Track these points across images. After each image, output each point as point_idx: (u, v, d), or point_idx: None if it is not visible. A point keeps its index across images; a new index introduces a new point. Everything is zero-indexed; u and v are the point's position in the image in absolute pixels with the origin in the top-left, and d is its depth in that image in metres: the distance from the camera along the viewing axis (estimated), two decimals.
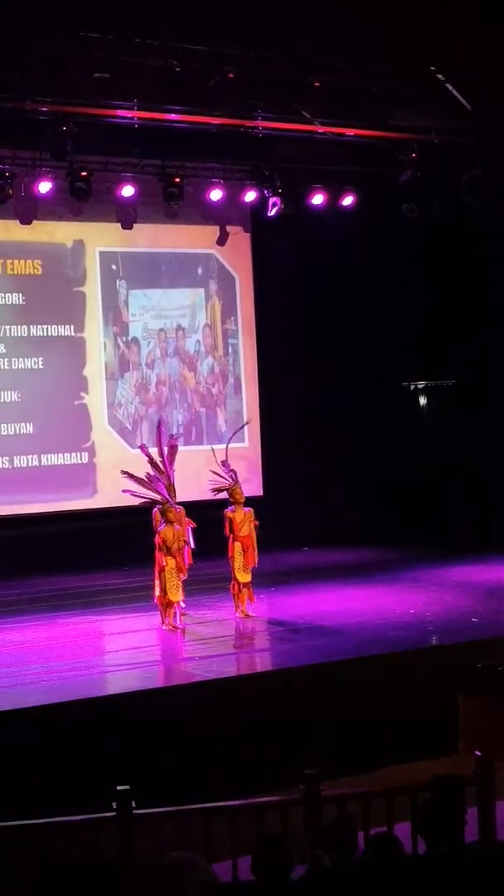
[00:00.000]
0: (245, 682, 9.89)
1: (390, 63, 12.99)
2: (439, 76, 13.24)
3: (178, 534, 11.35)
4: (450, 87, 13.35)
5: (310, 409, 16.54)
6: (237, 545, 11.66)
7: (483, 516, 15.66)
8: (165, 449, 11.94)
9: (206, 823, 6.26)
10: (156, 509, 11.55)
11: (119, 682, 9.88)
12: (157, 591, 11.36)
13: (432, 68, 13.24)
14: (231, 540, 11.69)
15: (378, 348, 16.33)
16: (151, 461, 11.79)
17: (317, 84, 13.32)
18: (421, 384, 16.98)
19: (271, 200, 14.99)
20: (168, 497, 11.53)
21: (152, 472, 11.73)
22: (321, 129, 13.78)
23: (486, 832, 6.53)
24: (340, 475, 16.52)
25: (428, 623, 11.40)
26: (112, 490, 13.73)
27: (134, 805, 6.28)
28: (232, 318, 16.62)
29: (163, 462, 11.78)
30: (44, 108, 12.68)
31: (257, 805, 6.61)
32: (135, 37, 12.09)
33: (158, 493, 11.60)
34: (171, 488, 11.68)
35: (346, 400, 16.45)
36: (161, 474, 11.72)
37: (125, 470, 11.84)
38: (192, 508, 11.97)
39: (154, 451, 11.97)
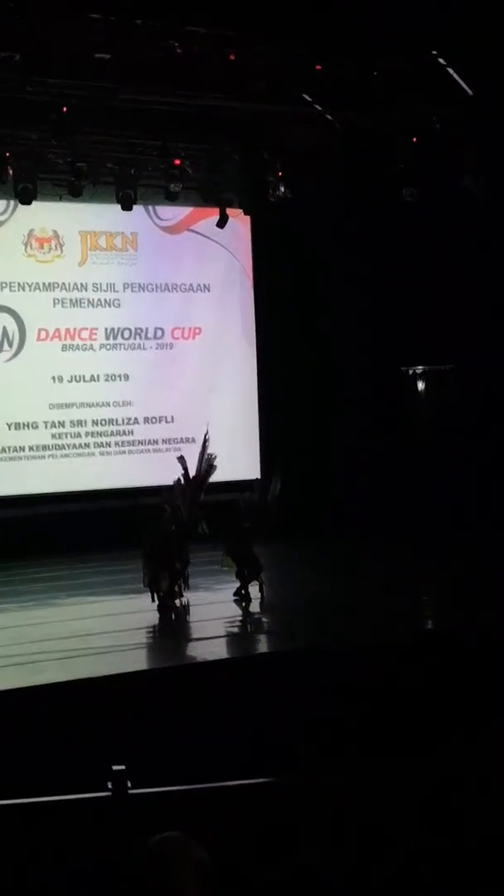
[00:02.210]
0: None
1: (392, 48, 13.01)
2: (441, 60, 13.25)
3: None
4: (451, 72, 13.35)
5: (309, 396, 16.49)
6: None
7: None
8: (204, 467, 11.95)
9: (203, 804, 6.28)
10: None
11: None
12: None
13: (434, 52, 13.25)
14: None
15: (374, 333, 16.28)
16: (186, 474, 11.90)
17: (318, 67, 13.32)
18: (419, 369, 16.93)
19: (272, 184, 15.00)
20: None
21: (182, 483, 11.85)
22: (322, 113, 13.77)
23: None
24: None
25: None
26: None
27: (130, 785, 6.30)
28: (234, 301, 16.64)
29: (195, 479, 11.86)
30: (44, 89, 12.65)
31: (256, 786, 6.62)
32: (135, 18, 12.11)
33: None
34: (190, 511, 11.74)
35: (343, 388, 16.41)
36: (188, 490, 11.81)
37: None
38: None
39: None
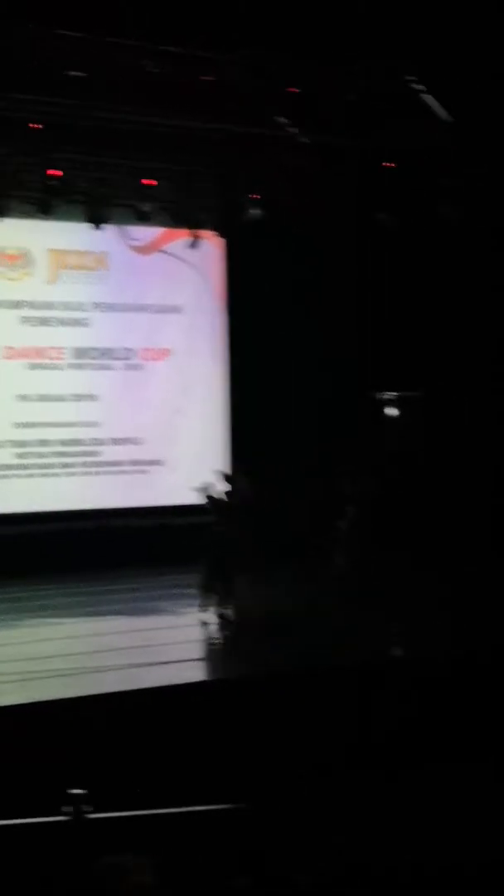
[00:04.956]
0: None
1: (369, 72, 13.02)
2: (418, 86, 13.25)
3: None
4: (428, 98, 13.35)
5: (278, 419, 16.39)
6: None
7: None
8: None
9: (160, 829, 6.14)
10: None
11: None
12: None
13: (411, 78, 13.26)
14: None
15: (348, 357, 16.22)
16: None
17: (294, 91, 13.31)
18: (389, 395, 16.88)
19: (246, 206, 14.94)
20: None
21: None
22: (297, 136, 13.74)
23: None
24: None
25: None
26: None
27: (89, 809, 6.15)
28: (204, 323, 16.55)
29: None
30: (16, 106, 12.55)
31: (211, 813, 6.49)
32: (110, 37, 12.05)
33: None
34: None
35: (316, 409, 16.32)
36: None
37: None
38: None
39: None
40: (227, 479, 13.20)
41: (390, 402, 16.96)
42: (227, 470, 15.15)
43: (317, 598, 13.18)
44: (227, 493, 12.61)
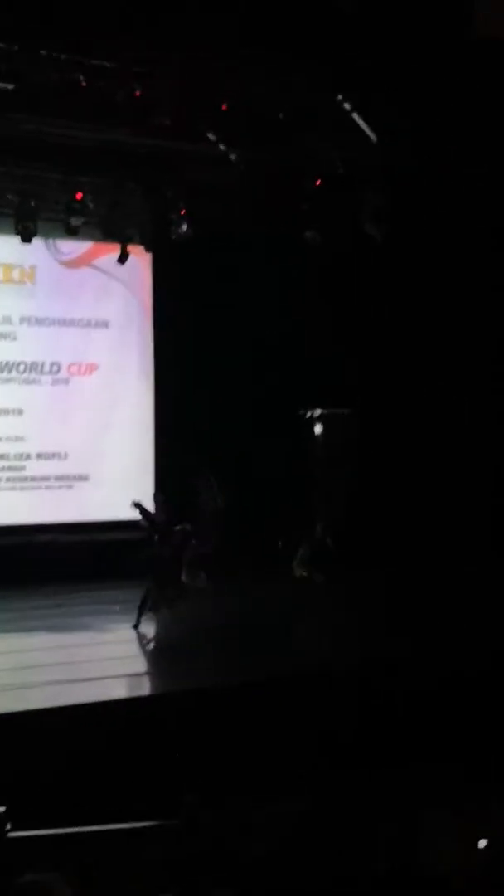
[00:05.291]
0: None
1: (298, 90, 13.07)
2: (346, 105, 13.33)
3: None
4: (356, 117, 13.44)
5: (207, 437, 16.36)
6: None
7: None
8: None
9: (83, 847, 6.08)
10: None
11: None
12: None
13: (339, 97, 13.34)
14: None
15: (274, 376, 16.25)
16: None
17: (224, 107, 13.32)
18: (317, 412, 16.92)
19: (175, 222, 14.91)
20: None
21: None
22: (226, 152, 13.75)
23: None
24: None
25: None
26: None
27: (9, 827, 6.08)
28: (132, 338, 16.49)
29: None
30: None
31: (135, 830, 6.44)
32: (41, 48, 11.99)
33: None
34: None
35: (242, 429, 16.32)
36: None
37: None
38: None
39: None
40: (196, 485, 13.27)
41: (318, 419, 16.99)
42: (155, 487, 15.18)
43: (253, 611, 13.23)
44: (200, 500, 12.55)
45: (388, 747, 9.33)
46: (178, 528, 12.66)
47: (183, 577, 12.71)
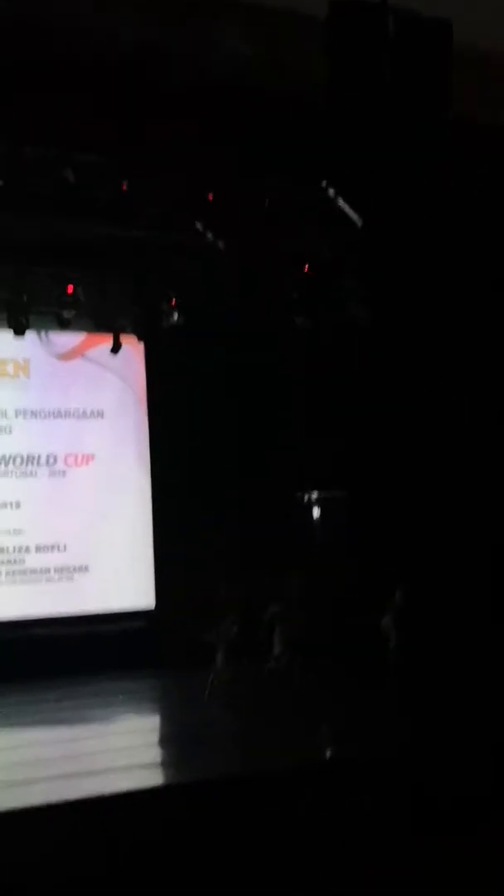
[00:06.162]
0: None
1: (282, 177, 13.27)
2: (331, 191, 13.53)
3: None
4: (340, 202, 13.63)
5: (205, 519, 16.35)
6: None
7: None
8: None
9: None
10: None
11: None
12: None
13: (324, 184, 13.54)
14: None
15: (269, 459, 16.29)
16: None
17: (210, 198, 13.51)
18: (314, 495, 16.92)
19: (165, 311, 15.06)
20: None
21: None
22: (214, 242, 13.92)
23: None
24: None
25: None
26: None
27: None
28: (127, 427, 16.55)
29: None
30: None
31: None
32: (26, 145, 12.20)
33: None
34: None
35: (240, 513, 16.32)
36: None
37: None
38: None
39: None
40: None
41: (316, 502, 16.99)
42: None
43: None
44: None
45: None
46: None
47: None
